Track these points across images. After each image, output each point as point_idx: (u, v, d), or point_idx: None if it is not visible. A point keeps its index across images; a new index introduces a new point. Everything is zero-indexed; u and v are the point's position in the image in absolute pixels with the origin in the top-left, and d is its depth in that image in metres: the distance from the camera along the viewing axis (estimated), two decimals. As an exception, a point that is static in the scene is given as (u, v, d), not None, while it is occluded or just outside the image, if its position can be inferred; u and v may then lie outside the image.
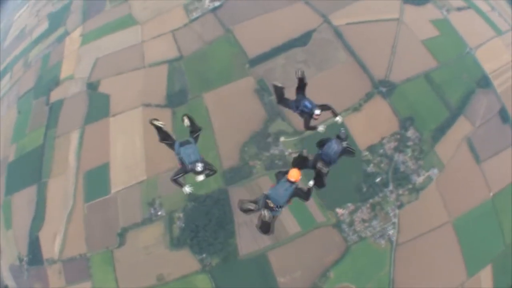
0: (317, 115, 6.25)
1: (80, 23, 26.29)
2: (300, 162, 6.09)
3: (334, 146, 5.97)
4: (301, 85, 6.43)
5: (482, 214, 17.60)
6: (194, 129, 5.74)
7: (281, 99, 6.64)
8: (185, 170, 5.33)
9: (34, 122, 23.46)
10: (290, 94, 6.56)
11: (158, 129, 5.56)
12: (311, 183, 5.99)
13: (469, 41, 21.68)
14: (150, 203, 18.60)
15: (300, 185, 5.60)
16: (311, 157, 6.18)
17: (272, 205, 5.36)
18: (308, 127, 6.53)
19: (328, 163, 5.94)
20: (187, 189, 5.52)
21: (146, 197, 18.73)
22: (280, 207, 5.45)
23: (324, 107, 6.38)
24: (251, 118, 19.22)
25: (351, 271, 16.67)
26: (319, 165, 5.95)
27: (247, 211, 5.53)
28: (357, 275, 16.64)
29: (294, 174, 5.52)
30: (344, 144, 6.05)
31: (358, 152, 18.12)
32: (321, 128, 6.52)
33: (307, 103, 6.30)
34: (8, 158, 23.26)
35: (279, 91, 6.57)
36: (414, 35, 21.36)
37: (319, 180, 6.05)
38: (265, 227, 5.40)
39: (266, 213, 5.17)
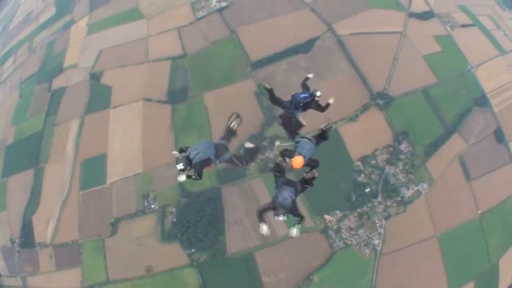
0: (318, 96, 6.82)
1: (87, 12, 26.21)
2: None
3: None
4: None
5: (469, 231, 17.66)
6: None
7: (273, 99, 7.15)
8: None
9: (35, 107, 23.48)
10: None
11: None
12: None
13: (470, 59, 21.56)
14: (144, 196, 18.79)
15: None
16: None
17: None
18: (322, 109, 6.98)
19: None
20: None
21: (141, 190, 18.88)
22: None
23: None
24: (249, 121, 19.02)
25: (334, 276, 16.91)
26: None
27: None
28: (340, 281, 16.89)
29: (298, 161, 5.95)
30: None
31: (350, 161, 18.37)
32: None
33: (303, 94, 6.89)
34: (7, 141, 23.29)
35: (269, 92, 7.09)
36: (416, 50, 21.33)
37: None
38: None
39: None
